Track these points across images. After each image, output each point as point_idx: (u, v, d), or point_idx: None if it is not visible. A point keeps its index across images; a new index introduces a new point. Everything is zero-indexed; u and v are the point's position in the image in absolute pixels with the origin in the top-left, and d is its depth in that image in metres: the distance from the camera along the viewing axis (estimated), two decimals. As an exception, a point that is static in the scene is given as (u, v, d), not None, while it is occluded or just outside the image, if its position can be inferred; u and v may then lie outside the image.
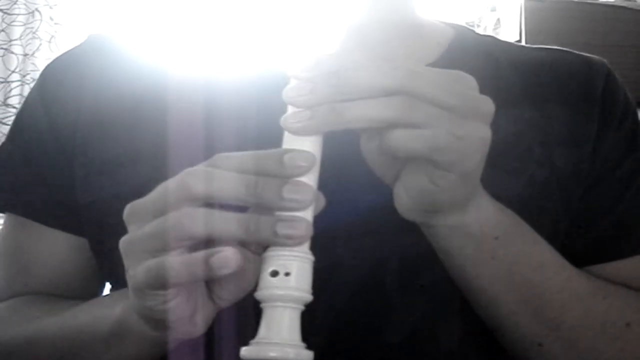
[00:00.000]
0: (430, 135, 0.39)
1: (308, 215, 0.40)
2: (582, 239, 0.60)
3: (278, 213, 0.40)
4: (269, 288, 0.39)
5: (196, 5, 0.64)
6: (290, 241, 0.39)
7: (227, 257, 0.38)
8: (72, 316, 0.55)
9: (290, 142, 0.41)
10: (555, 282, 0.52)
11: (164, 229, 0.39)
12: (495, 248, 0.48)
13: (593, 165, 0.60)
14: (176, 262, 0.39)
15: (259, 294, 0.40)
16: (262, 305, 0.40)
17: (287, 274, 0.39)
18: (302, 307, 0.40)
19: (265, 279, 0.40)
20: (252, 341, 0.39)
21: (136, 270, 0.41)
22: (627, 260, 0.60)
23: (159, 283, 0.40)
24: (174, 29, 0.63)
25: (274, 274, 0.39)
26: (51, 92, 0.62)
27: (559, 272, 0.52)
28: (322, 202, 0.41)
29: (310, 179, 0.40)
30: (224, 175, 0.39)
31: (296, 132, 0.40)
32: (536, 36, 1.63)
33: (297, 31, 0.45)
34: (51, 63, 0.64)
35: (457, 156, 0.41)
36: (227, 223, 0.39)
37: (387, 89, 0.39)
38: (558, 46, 0.67)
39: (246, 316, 0.49)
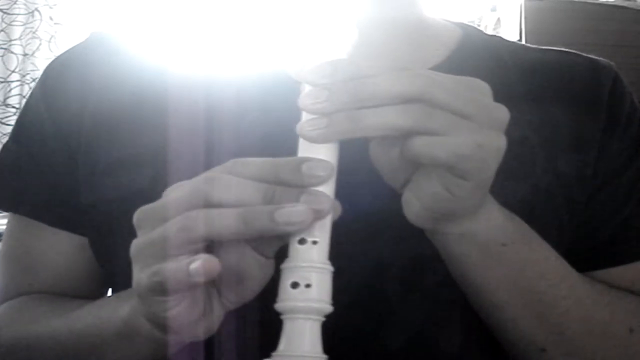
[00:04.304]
0: (453, 142, 0.39)
1: (326, 223, 0.40)
2: (587, 243, 0.60)
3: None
4: (290, 300, 0.39)
5: (197, 4, 0.64)
6: (289, 227, 0.38)
7: (202, 265, 0.38)
8: (78, 317, 0.55)
9: (306, 149, 0.40)
10: (559, 289, 0.52)
11: (167, 234, 0.39)
12: (502, 255, 0.48)
13: (597, 170, 0.59)
14: (172, 268, 0.38)
15: (279, 306, 0.40)
16: (283, 317, 0.40)
17: (307, 286, 0.39)
18: (322, 319, 0.40)
19: (286, 290, 0.39)
20: (273, 353, 0.39)
21: (140, 276, 0.41)
22: (631, 266, 0.60)
23: (161, 289, 0.40)
24: (175, 28, 0.63)
25: (295, 285, 0.39)
26: (53, 91, 0.61)
27: (563, 278, 0.52)
28: (338, 210, 0.41)
29: (328, 188, 0.40)
30: (241, 183, 0.39)
31: (312, 140, 0.40)
32: (536, 36, 1.63)
33: (300, 31, 0.45)
34: (52, 62, 0.64)
35: (477, 165, 0.40)
36: (224, 219, 0.38)
37: (404, 97, 0.39)
38: (558, 46, 0.67)
39: (247, 321, 0.49)
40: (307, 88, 0.40)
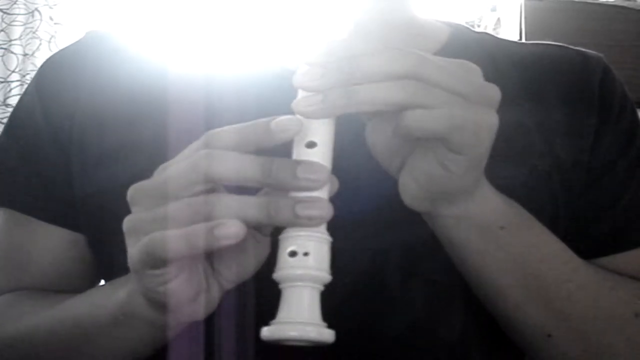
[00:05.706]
0: (448, 114, 0.39)
1: (324, 195, 0.40)
2: (589, 232, 0.60)
3: (293, 194, 0.39)
4: (288, 268, 0.39)
5: (194, 2, 0.64)
6: (310, 222, 0.39)
7: (231, 228, 0.38)
8: (72, 305, 0.55)
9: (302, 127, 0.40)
10: (562, 273, 0.52)
11: (172, 214, 0.39)
12: (501, 238, 0.48)
13: (594, 158, 0.60)
14: (174, 234, 0.38)
15: (277, 275, 0.40)
16: (281, 285, 0.40)
17: (305, 254, 0.39)
18: (321, 287, 0.40)
19: (284, 259, 0.39)
20: (272, 321, 0.39)
21: (134, 250, 0.41)
22: (634, 252, 0.60)
23: (154, 259, 0.39)
24: (172, 25, 0.63)
25: (293, 254, 0.39)
26: (48, 87, 0.62)
27: (565, 262, 0.52)
28: (335, 184, 0.41)
29: (325, 160, 0.40)
30: (237, 157, 0.39)
31: (308, 116, 0.40)
32: (536, 36, 1.63)
33: (296, 29, 0.45)
34: (48, 59, 0.64)
35: (472, 137, 0.41)
36: (246, 207, 0.39)
37: (397, 74, 0.39)
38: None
39: (246, 302, 0.49)
40: (303, 67, 0.40)
